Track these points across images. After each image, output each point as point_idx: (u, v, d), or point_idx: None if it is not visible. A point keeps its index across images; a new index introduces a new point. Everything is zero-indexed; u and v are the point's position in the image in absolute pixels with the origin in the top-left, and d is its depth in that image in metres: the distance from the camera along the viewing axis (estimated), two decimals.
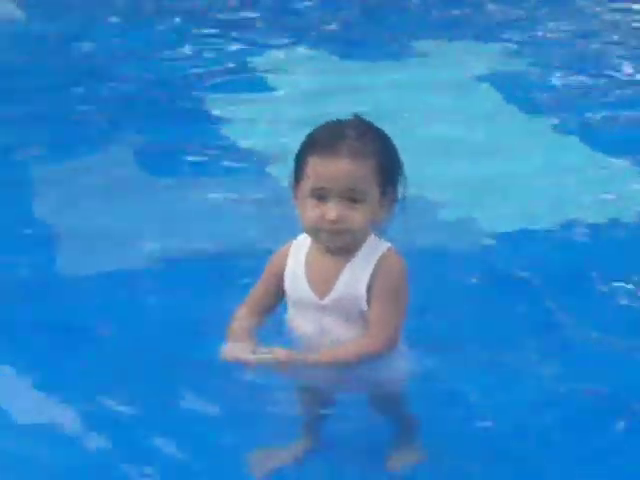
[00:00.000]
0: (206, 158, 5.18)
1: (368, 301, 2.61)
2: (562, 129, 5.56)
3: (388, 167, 2.61)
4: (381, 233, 2.68)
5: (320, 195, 2.54)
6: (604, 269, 3.87)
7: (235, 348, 2.61)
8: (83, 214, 4.44)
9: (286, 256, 2.72)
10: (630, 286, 3.76)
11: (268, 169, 4.92)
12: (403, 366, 2.74)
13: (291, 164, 2.66)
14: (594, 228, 4.28)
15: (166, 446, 2.82)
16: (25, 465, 2.76)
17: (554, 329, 3.46)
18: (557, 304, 3.60)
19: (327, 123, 2.65)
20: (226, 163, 5.10)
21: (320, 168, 2.54)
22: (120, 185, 4.78)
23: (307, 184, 2.57)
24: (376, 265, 2.61)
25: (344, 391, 2.79)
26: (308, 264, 2.67)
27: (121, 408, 2.98)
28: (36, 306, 3.62)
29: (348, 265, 2.62)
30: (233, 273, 3.66)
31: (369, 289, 2.60)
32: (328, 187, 2.53)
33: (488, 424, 2.94)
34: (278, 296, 2.75)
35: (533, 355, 3.25)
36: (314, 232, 2.60)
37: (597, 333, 3.41)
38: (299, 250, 2.71)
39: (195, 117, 5.85)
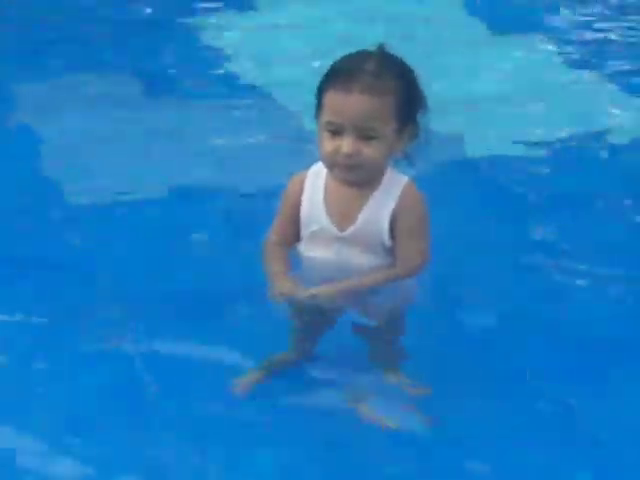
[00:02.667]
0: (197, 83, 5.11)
1: (391, 234, 2.61)
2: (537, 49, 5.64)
3: (407, 103, 2.54)
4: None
5: (335, 129, 2.50)
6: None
7: (284, 288, 2.61)
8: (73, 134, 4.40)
9: (302, 184, 2.68)
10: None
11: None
12: (412, 286, 2.75)
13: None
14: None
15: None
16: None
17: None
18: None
19: (350, 54, 2.58)
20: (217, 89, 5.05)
21: (334, 102, 2.50)
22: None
23: (323, 117, 2.53)
24: (399, 200, 2.60)
25: (358, 312, 2.77)
26: (327, 195, 2.64)
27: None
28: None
29: (370, 198, 2.60)
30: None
31: (392, 223, 2.60)
32: (341, 122, 2.49)
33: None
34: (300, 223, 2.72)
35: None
36: (329, 165, 2.57)
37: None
38: (316, 179, 2.67)
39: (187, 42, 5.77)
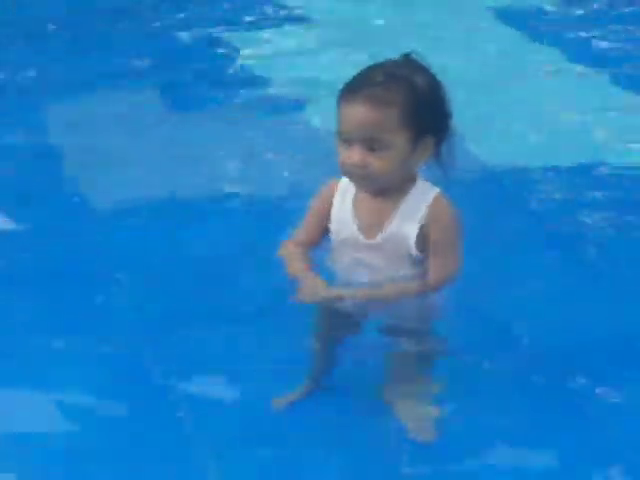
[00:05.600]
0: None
1: (417, 245, 2.61)
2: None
3: (419, 112, 2.52)
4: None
5: (345, 139, 2.54)
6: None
7: (315, 287, 2.63)
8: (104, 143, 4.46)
9: (334, 191, 2.72)
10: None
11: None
12: (436, 301, 2.75)
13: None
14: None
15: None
16: None
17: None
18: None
19: (371, 65, 2.60)
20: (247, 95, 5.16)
21: (343, 113, 2.55)
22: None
23: (337, 127, 2.58)
24: (428, 212, 2.60)
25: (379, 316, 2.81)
26: (356, 203, 2.67)
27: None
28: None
29: (398, 209, 2.62)
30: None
31: (420, 234, 2.60)
32: (350, 132, 2.52)
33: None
34: (325, 231, 2.75)
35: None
36: (344, 173, 2.62)
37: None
38: (348, 188, 2.70)
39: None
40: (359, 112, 2.49)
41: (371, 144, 2.51)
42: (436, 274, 2.63)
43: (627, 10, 6.60)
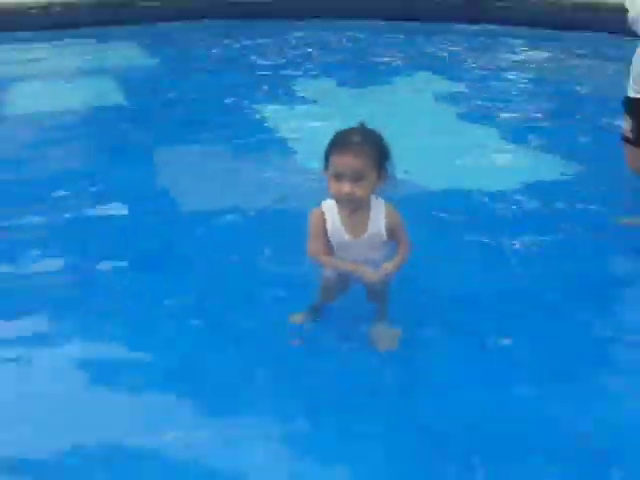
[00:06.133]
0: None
1: (387, 234, 3.83)
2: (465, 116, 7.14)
3: (381, 157, 3.66)
4: (379, 193, 3.82)
5: (338, 176, 3.62)
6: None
7: (375, 273, 3.79)
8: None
9: (323, 216, 3.79)
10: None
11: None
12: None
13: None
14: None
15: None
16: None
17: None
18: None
19: (342, 130, 3.70)
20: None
21: (337, 162, 3.62)
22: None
23: (330, 170, 3.65)
24: (387, 215, 3.81)
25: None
26: (342, 220, 3.79)
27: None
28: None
29: (370, 217, 3.81)
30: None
31: (387, 228, 3.80)
32: (343, 172, 3.61)
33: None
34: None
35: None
36: (336, 199, 3.72)
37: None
38: (331, 211, 3.80)
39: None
40: (349, 161, 3.55)
41: (355, 179, 3.57)
42: (406, 246, 3.84)
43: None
